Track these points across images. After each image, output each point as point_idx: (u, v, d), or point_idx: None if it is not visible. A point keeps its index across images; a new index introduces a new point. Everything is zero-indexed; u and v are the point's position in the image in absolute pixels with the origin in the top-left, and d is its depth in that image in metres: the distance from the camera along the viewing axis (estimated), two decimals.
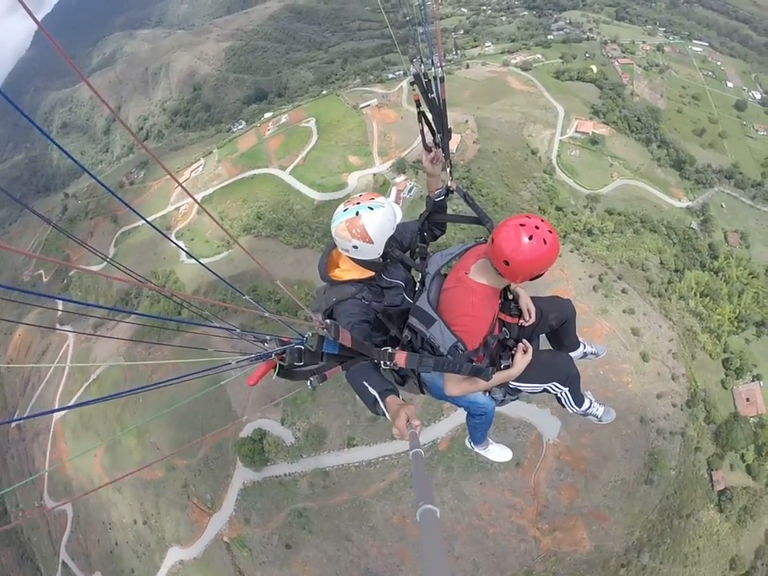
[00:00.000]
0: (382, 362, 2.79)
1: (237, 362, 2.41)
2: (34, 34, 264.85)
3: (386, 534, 39.98)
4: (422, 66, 3.42)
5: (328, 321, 2.39)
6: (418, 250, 3.75)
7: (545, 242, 2.64)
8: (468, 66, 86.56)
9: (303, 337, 2.40)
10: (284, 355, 2.48)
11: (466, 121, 67.67)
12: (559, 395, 3.64)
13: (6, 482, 65.53)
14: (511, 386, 3.46)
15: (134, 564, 49.32)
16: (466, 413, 3.86)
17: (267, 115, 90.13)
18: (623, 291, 51.05)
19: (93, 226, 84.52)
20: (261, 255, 59.05)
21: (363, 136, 70.43)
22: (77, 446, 58.28)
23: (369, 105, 76.59)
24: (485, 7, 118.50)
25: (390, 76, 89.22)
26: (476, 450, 4.51)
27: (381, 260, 3.17)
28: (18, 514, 62.39)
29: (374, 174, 64.18)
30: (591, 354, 4.35)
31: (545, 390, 3.55)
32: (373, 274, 3.17)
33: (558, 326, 3.78)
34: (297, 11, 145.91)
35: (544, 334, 3.93)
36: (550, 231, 2.69)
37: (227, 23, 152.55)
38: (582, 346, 4.26)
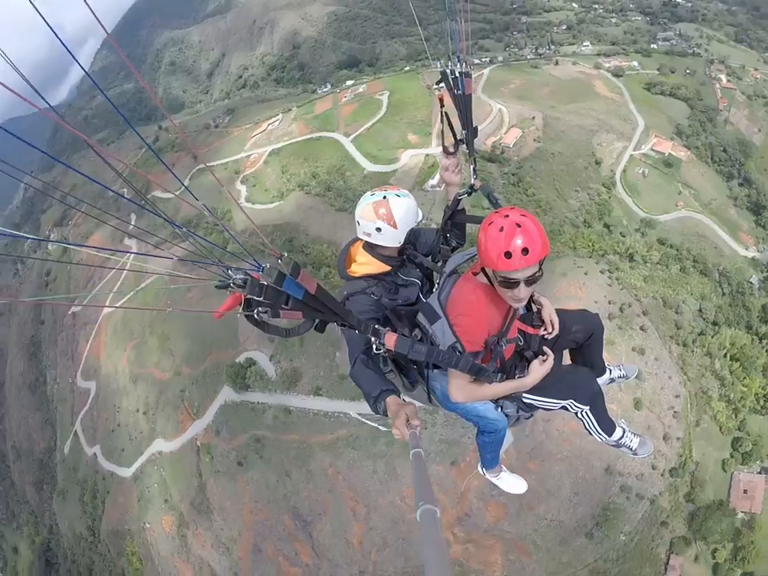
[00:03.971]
0: (372, 342, 2.65)
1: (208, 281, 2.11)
2: None
3: (318, 481, 43.37)
4: (451, 64, 3.41)
5: (286, 255, 2.17)
6: (440, 252, 3.64)
7: (501, 229, 2.40)
8: (557, 63, 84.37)
9: (261, 266, 2.08)
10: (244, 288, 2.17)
11: (533, 117, 66.39)
12: (580, 416, 3.35)
13: (52, 357, 79.40)
14: (525, 401, 3.21)
15: (125, 445, 58.08)
16: (476, 431, 3.61)
17: (349, 83, 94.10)
18: (642, 328, 46.94)
19: (176, 159, 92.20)
20: (306, 211, 63.52)
21: (428, 116, 70.38)
22: (113, 339, 67.99)
23: (441, 86, 76.39)
24: (597, 5, 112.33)
25: (476, 61, 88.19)
26: (487, 476, 4.19)
27: (398, 254, 3.17)
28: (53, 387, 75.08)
29: (427, 155, 64.49)
30: (620, 377, 4.09)
31: (563, 408, 3.28)
32: (388, 269, 3.13)
33: (583, 342, 3.51)
34: None
35: (568, 352, 3.70)
36: (518, 224, 2.40)
37: None
38: (608, 371, 4.02)
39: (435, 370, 3.22)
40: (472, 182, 3.69)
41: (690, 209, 61.21)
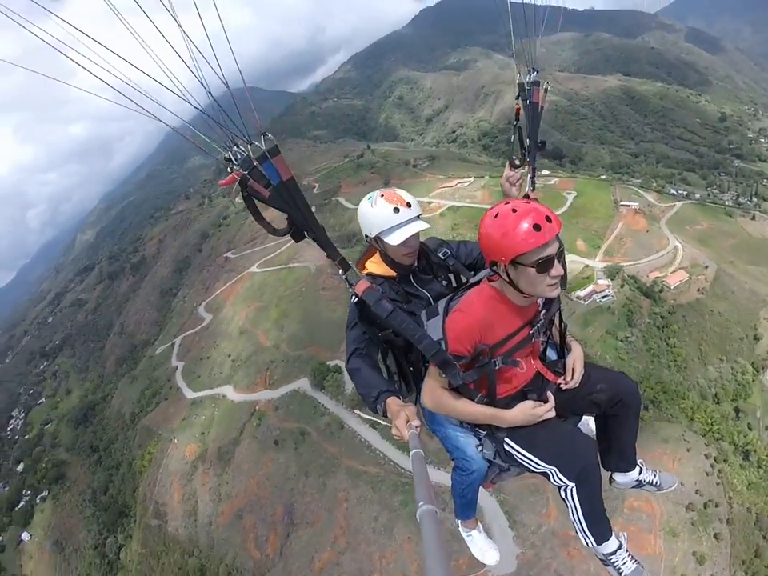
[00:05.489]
0: (342, 273, 2.57)
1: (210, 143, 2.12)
2: (414, 16, 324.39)
3: (326, 497, 46.61)
4: (530, 76, 3.38)
5: (269, 135, 2.12)
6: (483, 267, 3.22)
7: (514, 211, 2.22)
8: (754, 218, 78.55)
9: (251, 141, 2.09)
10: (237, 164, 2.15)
11: (706, 266, 61.50)
12: (563, 495, 2.59)
13: (191, 280, 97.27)
14: (506, 447, 2.64)
15: (204, 375, 68.54)
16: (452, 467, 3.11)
17: (544, 172, 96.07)
18: (716, 536, 40.15)
19: (369, 178, 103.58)
20: None
21: (604, 229, 69.89)
22: (245, 293, 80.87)
23: (628, 206, 75.34)
24: None
25: (672, 191, 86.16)
26: (459, 528, 3.57)
27: (408, 263, 2.92)
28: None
29: (586, 266, 63.06)
30: (651, 484, 3.17)
31: (545, 476, 2.61)
32: (394, 274, 2.93)
33: (608, 410, 2.77)
34: (631, 95, 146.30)
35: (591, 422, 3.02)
36: (521, 204, 2.27)
37: (565, 80, 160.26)
38: (638, 469, 3.10)
39: None
40: (527, 191, 3.48)
41: None
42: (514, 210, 2.22)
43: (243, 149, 2.08)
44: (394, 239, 2.74)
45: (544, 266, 2.22)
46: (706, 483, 42.95)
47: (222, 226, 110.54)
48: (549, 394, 2.64)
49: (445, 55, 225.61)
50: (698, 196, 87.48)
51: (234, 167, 2.08)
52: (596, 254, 65.17)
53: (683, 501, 40.98)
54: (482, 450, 2.81)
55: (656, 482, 3.18)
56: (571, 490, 2.53)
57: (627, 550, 2.78)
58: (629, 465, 3.05)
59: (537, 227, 2.15)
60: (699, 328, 55.98)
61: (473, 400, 2.53)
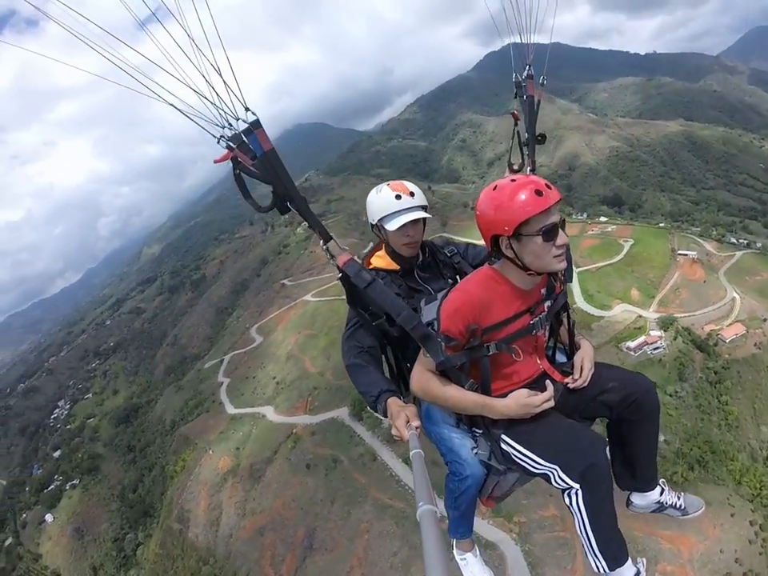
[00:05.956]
0: (324, 247, 2.48)
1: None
2: (479, 60, 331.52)
3: (348, 525, 46.44)
4: (525, 72, 3.37)
5: (251, 111, 2.12)
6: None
7: (513, 181, 2.15)
8: None
9: (238, 117, 2.10)
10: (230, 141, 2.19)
11: (765, 320, 58.62)
12: (568, 501, 2.23)
13: (247, 301, 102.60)
14: (503, 445, 2.39)
15: (247, 393, 71.62)
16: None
17: (602, 219, 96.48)
18: None
19: None
20: None
21: (660, 278, 68.07)
22: (296, 320, 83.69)
23: (686, 254, 73.20)
24: None
25: (732, 240, 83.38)
26: (453, 549, 3.22)
27: (411, 256, 2.90)
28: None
29: (639, 316, 61.02)
30: (673, 507, 2.78)
31: (546, 478, 2.29)
32: (397, 267, 2.89)
33: (622, 413, 2.44)
34: (692, 141, 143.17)
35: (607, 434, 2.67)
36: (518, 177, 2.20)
37: (627, 126, 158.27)
38: (659, 489, 2.73)
39: None
40: None
41: None
42: (513, 180, 2.16)
43: (234, 126, 2.16)
44: (392, 225, 2.75)
45: (549, 233, 2.14)
46: (748, 552, 39.69)
47: (282, 254, 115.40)
48: (547, 383, 2.36)
49: (508, 100, 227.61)
50: (759, 245, 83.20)
51: (230, 145, 2.18)
52: (650, 304, 63.50)
53: (721, 570, 38.46)
54: (477, 453, 2.58)
55: (680, 505, 2.77)
56: (576, 495, 2.18)
57: None
58: (647, 483, 2.66)
59: (538, 192, 2.09)
60: (754, 385, 53.05)
61: (463, 387, 2.33)
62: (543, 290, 2.42)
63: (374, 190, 2.90)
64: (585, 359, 2.49)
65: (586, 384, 2.44)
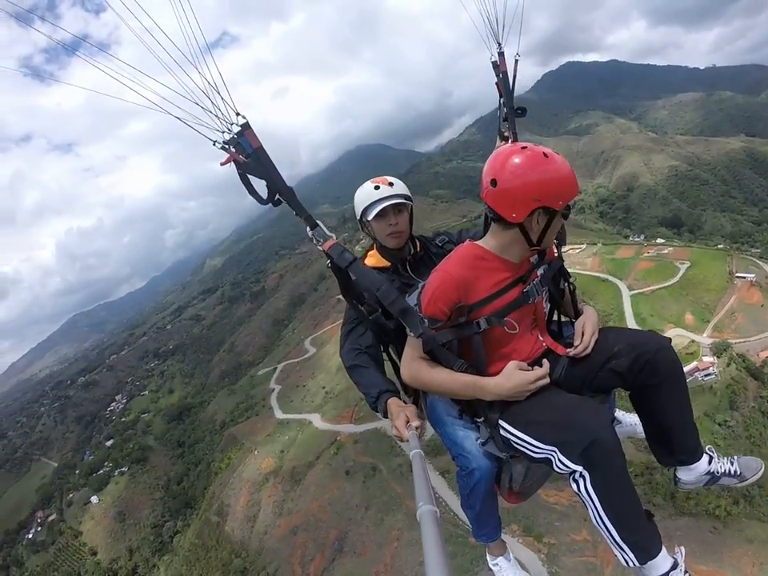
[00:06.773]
0: (310, 233, 2.49)
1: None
2: (536, 81, 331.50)
3: (380, 532, 46.82)
4: (498, 48, 3.44)
5: (241, 115, 2.20)
6: None
7: (545, 155, 1.93)
8: None
9: (233, 122, 2.20)
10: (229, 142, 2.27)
11: None
12: (576, 490, 1.90)
13: (303, 314, 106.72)
14: (500, 430, 2.13)
15: (296, 399, 74.69)
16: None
17: (659, 240, 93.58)
18: None
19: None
20: None
21: (714, 302, 64.38)
22: None
23: (744, 277, 68.48)
24: None
25: None
26: (486, 554, 2.97)
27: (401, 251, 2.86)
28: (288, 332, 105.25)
29: (692, 341, 58.01)
30: (727, 475, 2.30)
31: (547, 462, 1.96)
32: (389, 264, 2.85)
33: (637, 379, 2.09)
34: (754, 157, 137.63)
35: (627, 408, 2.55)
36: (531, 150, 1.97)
37: (686, 144, 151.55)
38: (707, 456, 2.29)
39: None
40: None
41: None
42: (547, 155, 1.94)
43: (231, 130, 2.25)
44: (372, 213, 2.72)
45: (569, 212, 2.07)
46: None
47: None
48: (544, 361, 2.13)
49: (567, 120, 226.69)
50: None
51: (225, 147, 2.26)
52: (704, 329, 60.06)
53: None
54: (481, 443, 2.33)
55: (735, 471, 2.31)
56: (583, 479, 1.85)
57: (687, 572, 1.98)
58: (690, 454, 2.24)
59: (569, 179, 1.97)
60: None
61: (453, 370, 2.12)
62: (534, 258, 2.25)
63: (359, 188, 2.89)
64: (587, 324, 2.26)
65: (588, 350, 2.17)
